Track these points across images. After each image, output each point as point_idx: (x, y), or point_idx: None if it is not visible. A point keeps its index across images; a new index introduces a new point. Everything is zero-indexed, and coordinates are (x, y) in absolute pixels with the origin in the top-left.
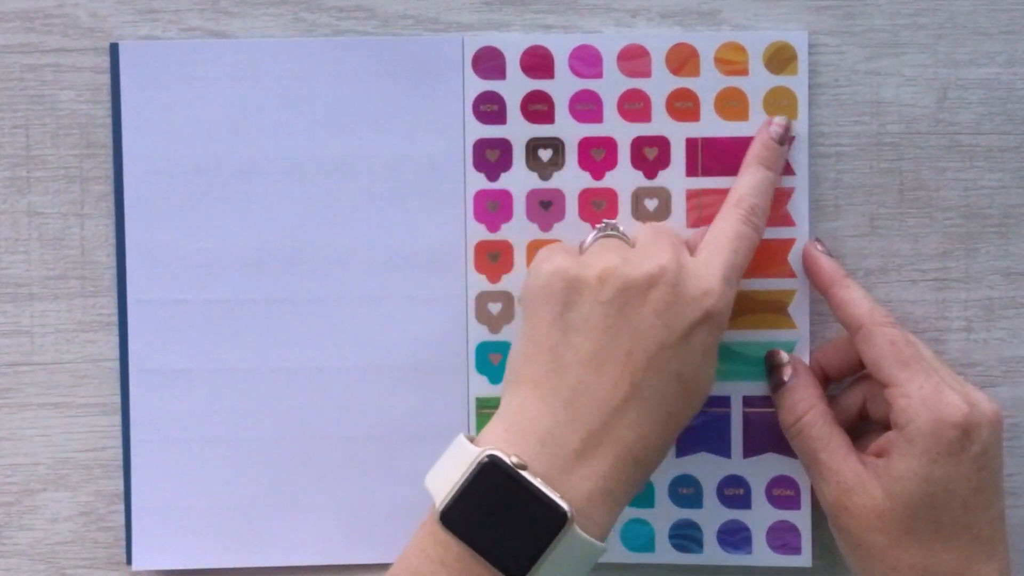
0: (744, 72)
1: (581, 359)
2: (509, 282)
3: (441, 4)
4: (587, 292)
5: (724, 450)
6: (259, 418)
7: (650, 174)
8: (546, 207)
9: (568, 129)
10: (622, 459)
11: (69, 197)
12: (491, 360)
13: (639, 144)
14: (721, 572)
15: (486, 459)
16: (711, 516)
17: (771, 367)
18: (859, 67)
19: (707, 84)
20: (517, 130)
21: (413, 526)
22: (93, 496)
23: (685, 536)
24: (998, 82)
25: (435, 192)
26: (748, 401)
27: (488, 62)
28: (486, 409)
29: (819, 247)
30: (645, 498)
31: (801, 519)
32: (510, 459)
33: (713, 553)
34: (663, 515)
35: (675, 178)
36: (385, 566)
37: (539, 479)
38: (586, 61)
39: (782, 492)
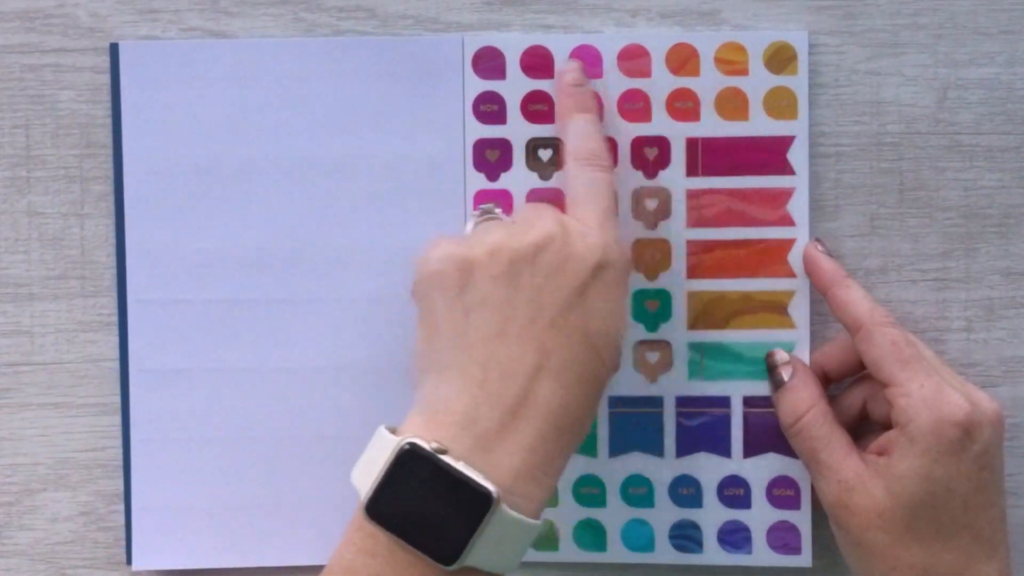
0: (744, 72)
1: (486, 336)
2: None
3: (441, 4)
4: (479, 270)
5: (724, 450)
6: (259, 418)
7: (650, 174)
8: None
9: None
10: (545, 429)
11: (69, 197)
12: None
13: (639, 144)
14: (721, 572)
15: (405, 447)
16: (711, 516)
17: (771, 367)
18: (859, 67)
19: (707, 84)
20: (517, 130)
21: None
22: (93, 496)
23: (685, 536)
24: (998, 82)
25: (435, 192)
26: (748, 401)
27: (488, 62)
28: None
29: (819, 247)
30: (645, 498)
31: (801, 519)
32: (429, 445)
33: (713, 553)
34: (663, 515)
35: (675, 178)
36: None
37: (461, 462)
38: (586, 61)
39: (782, 492)
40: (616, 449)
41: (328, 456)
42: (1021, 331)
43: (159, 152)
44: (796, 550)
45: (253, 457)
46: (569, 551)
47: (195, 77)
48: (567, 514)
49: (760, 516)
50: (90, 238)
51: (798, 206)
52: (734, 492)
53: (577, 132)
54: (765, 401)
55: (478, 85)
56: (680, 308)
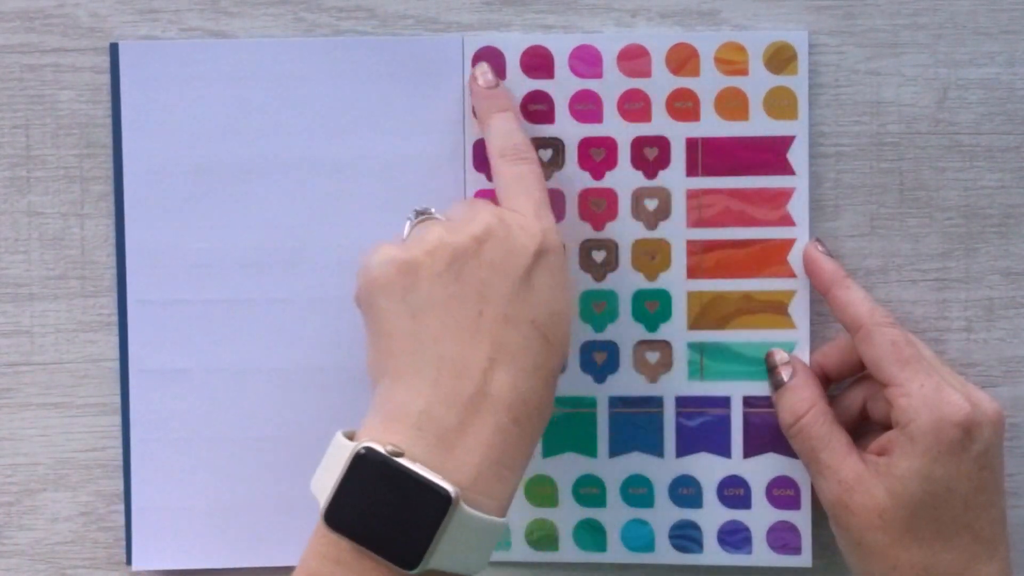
0: (744, 72)
1: (436, 335)
2: None
3: (441, 4)
4: (422, 270)
5: (724, 450)
6: (259, 418)
7: (650, 174)
8: None
9: (568, 129)
10: (503, 422)
11: (69, 197)
12: None
13: (639, 144)
14: (721, 572)
15: (361, 451)
16: (711, 516)
17: (771, 367)
18: (859, 67)
19: (707, 84)
20: None
21: None
22: (93, 496)
23: (685, 536)
24: (998, 82)
25: (435, 192)
26: (748, 401)
27: (488, 62)
28: None
29: (820, 248)
30: (645, 498)
31: (801, 519)
32: (385, 448)
33: (713, 553)
34: (663, 515)
35: (675, 178)
36: None
37: (418, 463)
38: (586, 61)
39: (782, 492)
40: (616, 449)
41: None
42: (1021, 331)
43: (159, 152)
44: (796, 550)
45: (253, 457)
46: (569, 551)
47: (195, 77)
48: (567, 514)
49: (760, 516)
50: (90, 238)
51: (798, 206)
52: (734, 492)
53: (498, 130)
54: (765, 401)
55: None
56: (680, 308)
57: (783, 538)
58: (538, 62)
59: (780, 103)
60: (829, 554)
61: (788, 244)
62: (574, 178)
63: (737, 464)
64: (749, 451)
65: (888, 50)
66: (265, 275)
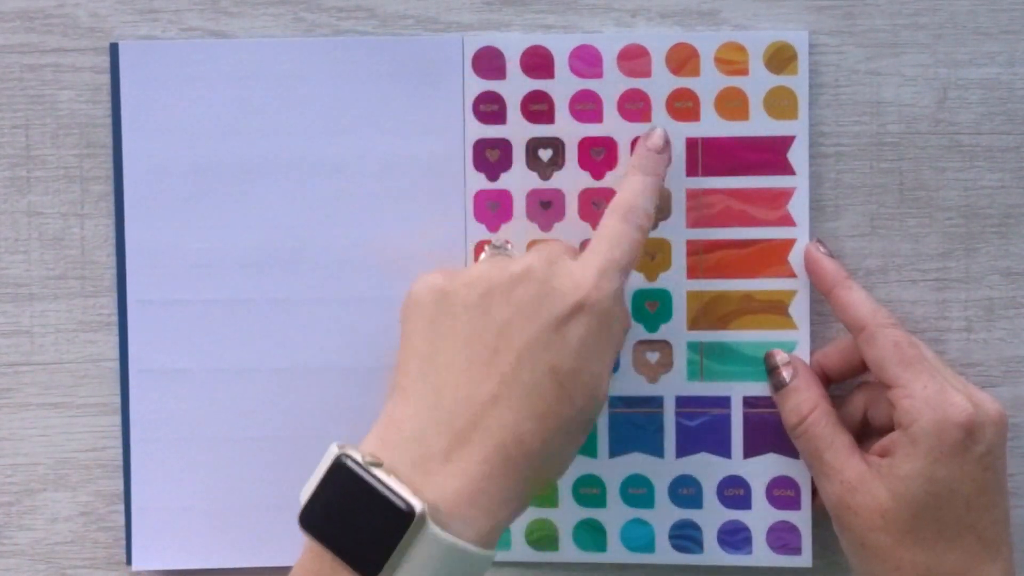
0: (744, 72)
1: (449, 363)
2: None
3: (441, 4)
4: (455, 299)
5: (724, 450)
6: (259, 418)
7: None
8: (546, 207)
9: (568, 129)
10: (492, 457)
11: (69, 197)
12: None
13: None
14: (721, 572)
15: (341, 458)
16: (711, 516)
17: (771, 368)
18: (859, 67)
19: (707, 84)
20: (517, 130)
21: None
22: (93, 496)
23: (685, 536)
24: (998, 82)
25: (435, 192)
26: (748, 401)
27: (488, 62)
28: None
29: (821, 248)
30: (645, 498)
31: (801, 519)
32: (363, 458)
33: (713, 553)
34: (663, 515)
35: (675, 178)
36: None
37: (393, 476)
38: (586, 61)
39: (782, 492)
40: (616, 449)
41: None
42: (1021, 331)
43: (159, 152)
44: (796, 550)
45: (253, 457)
46: (569, 551)
47: (195, 77)
48: (567, 514)
49: (760, 516)
50: (90, 238)
51: (798, 206)
52: (734, 492)
53: (632, 188)
54: (765, 401)
55: (478, 85)
56: (680, 308)
57: (783, 538)
58: (538, 62)
59: (780, 103)
60: (829, 554)
61: (788, 244)
62: (574, 178)
63: (737, 464)
64: (749, 451)
65: (888, 50)
66: (265, 275)
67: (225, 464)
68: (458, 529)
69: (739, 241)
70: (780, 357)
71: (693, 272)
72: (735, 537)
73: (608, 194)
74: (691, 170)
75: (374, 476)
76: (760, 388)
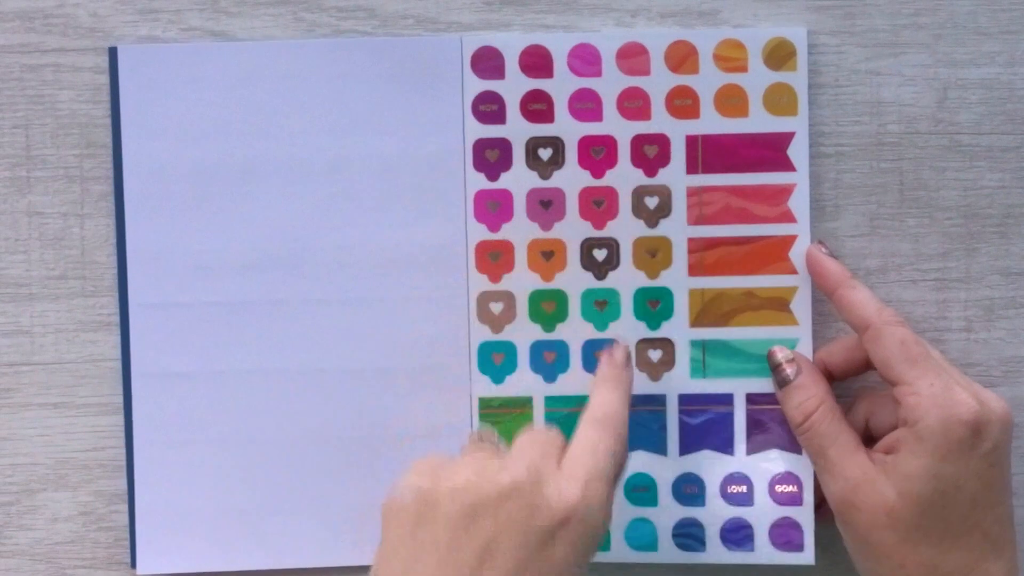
0: (743, 69)
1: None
2: (510, 282)
3: (441, 4)
4: (439, 509)
5: (727, 448)
6: (262, 420)
7: (650, 172)
8: (546, 206)
9: (568, 128)
10: None
11: (69, 197)
12: (493, 360)
13: (639, 142)
14: (724, 570)
15: None
16: (714, 514)
17: (774, 365)
18: (859, 67)
19: (706, 81)
20: (517, 129)
21: None
22: (93, 496)
23: (688, 535)
24: (998, 82)
25: (435, 192)
26: (751, 398)
27: (487, 62)
28: (488, 409)
29: (823, 249)
30: (648, 497)
31: (804, 516)
32: None
33: (716, 551)
34: (666, 513)
35: (675, 176)
36: None
37: None
38: (585, 60)
39: (785, 489)
40: None
41: (331, 458)
42: (1021, 331)
43: (159, 155)
44: (799, 547)
45: (256, 459)
46: None
47: (194, 79)
48: None
49: (763, 513)
50: (90, 238)
51: (799, 202)
52: (737, 489)
53: (603, 397)
54: (768, 398)
55: (477, 85)
56: (682, 306)
57: (786, 535)
58: (537, 61)
59: (780, 99)
60: (832, 551)
61: (789, 240)
62: (574, 177)
63: (740, 461)
64: (752, 448)
65: (888, 50)
66: (266, 276)
67: (229, 466)
68: None
69: (740, 238)
70: (783, 354)
71: (694, 270)
72: (738, 534)
73: (609, 192)
74: (691, 167)
75: None
76: (762, 385)
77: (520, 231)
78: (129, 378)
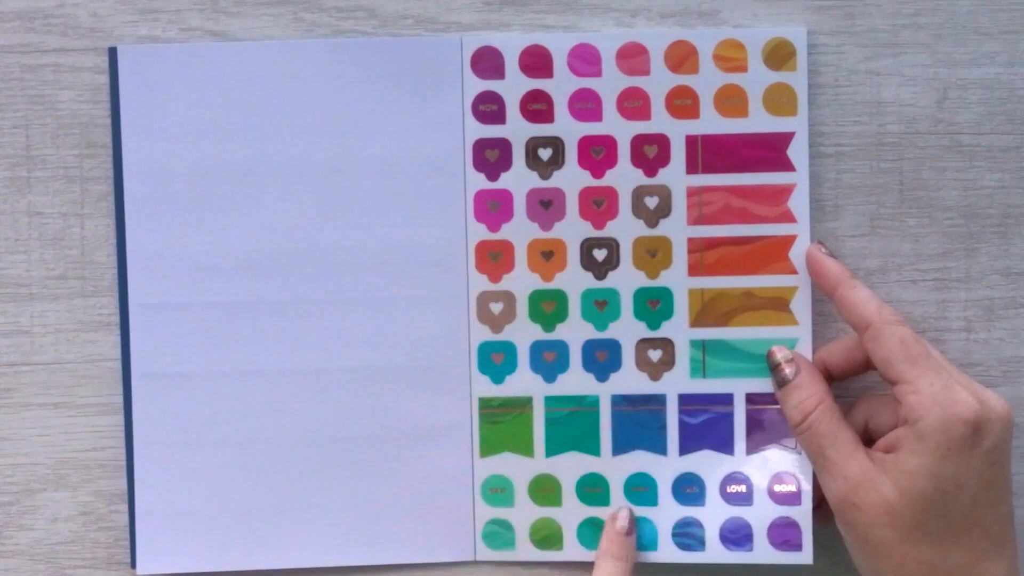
0: (743, 69)
1: None
2: (510, 282)
3: (441, 4)
4: None
5: (727, 447)
6: (262, 421)
7: (650, 172)
8: (547, 206)
9: (568, 128)
10: None
11: (69, 197)
12: (493, 360)
13: (639, 142)
14: (723, 570)
15: None
16: (713, 513)
17: (773, 365)
18: (859, 67)
19: (706, 81)
20: (517, 130)
21: (416, 527)
22: (93, 496)
23: (688, 534)
24: (998, 82)
25: (435, 192)
26: (751, 398)
27: (487, 62)
28: (488, 409)
29: (823, 249)
30: (648, 496)
31: (803, 515)
32: None
33: (715, 551)
34: (666, 513)
35: (675, 175)
36: (390, 567)
37: None
38: (585, 60)
39: (784, 489)
40: (619, 448)
41: (332, 458)
42: (1021, 331)
43: (159, 156)
44: (797, 547)
45: (256, 459)
46: (573, 550)
47: (194, 80)
48: (571, 513)
49: (762, 513)
50: (90, 238)
51: (799, 202)
52: (736, 489)
53: (606, 572)
54: (767, 398)
55: (477, 85)
56: (682, 306)
57: (784, 534)
58: (537, 61)
59: (779, 99)
60: (831, 551)
61: (789, 240)
62: (574, 177)
63: (739, 461)
64: (751, 448)
65: (888, 50)
66: (266, 277)
67: (229, 467)
68: None
69: (740, 238)
70: (782, 354)
71: (694, 270)
72: (737, 534)
73: (609, 192)
74: (691, 167)
75: None
76: (762, 385)
77: (520, 231)
78: (129, 378)
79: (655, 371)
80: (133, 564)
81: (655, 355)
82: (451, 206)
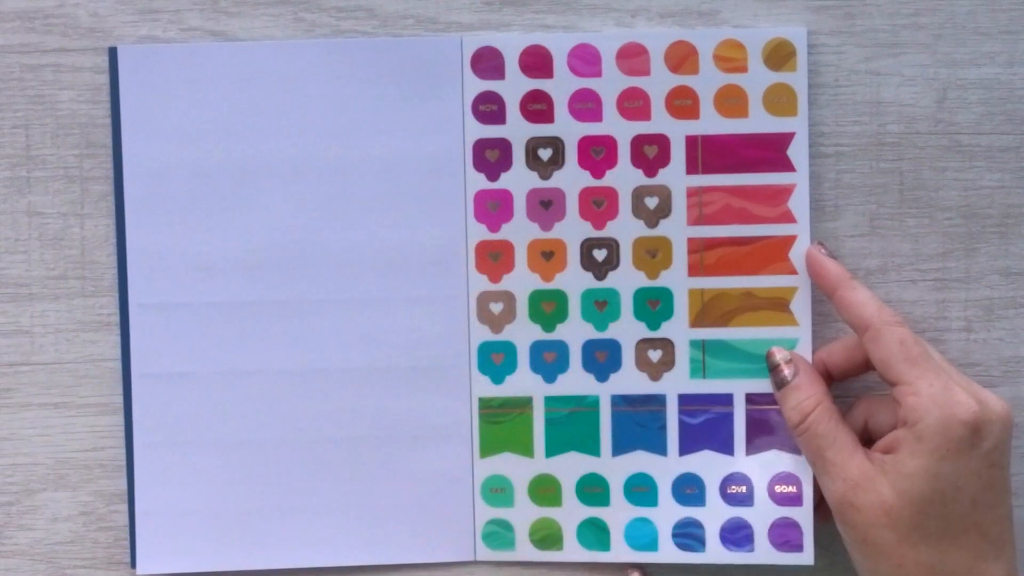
0: (743, 69)
1: None
2: (510, 282)
3: (441, 4)
4: None
5: (727, 448)
6: (262, 420)
7: (650, 172)
8: (547, 206)
9: (568, 128)
10: None
11: (69, 197)
12: (493, 360)
13: (639, 142)
14: (723, 570)
15: None
16: (714, 514)
17: (772, 366)
18: (859, 67)
19: (706, 81)
20: (517, 130)
21: (416, 527)
22: (93, 496)
23: (688, 535)
24: (998, 82)
25: (435, 192)
26: (751, 398)
27: (487, 62)
28: (488, 409)
29: (822, 250)
30: (648, 497)
31: (803, 516)
32: None
33: (715, 551)
34: (666, 514)
35: (675, 176)
36: (390, 567)
37: None
38: (585, 60)
39: (784, 489)
40: (619, 448)
41: (332, 458)
42: (1021, 331)
43: (159, 156)
44: (798, 547)
45: (256, 460)
46: (573, 550)
47: (194, 80)
48: (571, 513)
49: (762, 513)
50: (90, 238)
51: (799, 203)
52: (736, 489)
53: None
54: (767, 398)
55: (477, 85)
56: (682, 306)
57: (785, 535)
58: (537, 61)
59: (779, 100)
60: (831, 551)
61: (789, 241)
62: (574, 177)
63: (740, 461)
64: (752, 448)
65: (888, 50)
66: (266, 277)
67: (229, 467)
68: None
69: (740, 238)
70: (781, 355)
71: (694, 270)
72: (737, 534)
73: (609, 193)
74: (691, 168)
75: None
76: (762, 385)
77: (520, 231)
78: (129, 378)
79: (655, 371)
80: (133, 564)
81: (655, 355)
82: (451, 206)
